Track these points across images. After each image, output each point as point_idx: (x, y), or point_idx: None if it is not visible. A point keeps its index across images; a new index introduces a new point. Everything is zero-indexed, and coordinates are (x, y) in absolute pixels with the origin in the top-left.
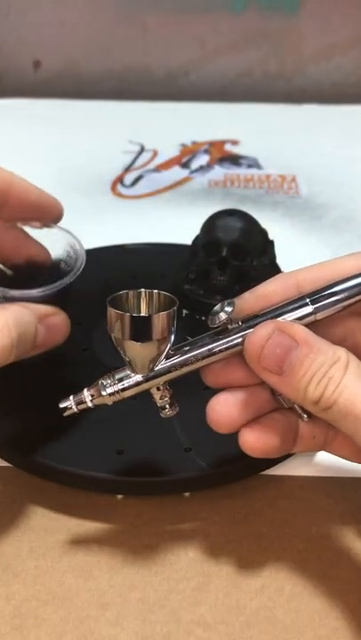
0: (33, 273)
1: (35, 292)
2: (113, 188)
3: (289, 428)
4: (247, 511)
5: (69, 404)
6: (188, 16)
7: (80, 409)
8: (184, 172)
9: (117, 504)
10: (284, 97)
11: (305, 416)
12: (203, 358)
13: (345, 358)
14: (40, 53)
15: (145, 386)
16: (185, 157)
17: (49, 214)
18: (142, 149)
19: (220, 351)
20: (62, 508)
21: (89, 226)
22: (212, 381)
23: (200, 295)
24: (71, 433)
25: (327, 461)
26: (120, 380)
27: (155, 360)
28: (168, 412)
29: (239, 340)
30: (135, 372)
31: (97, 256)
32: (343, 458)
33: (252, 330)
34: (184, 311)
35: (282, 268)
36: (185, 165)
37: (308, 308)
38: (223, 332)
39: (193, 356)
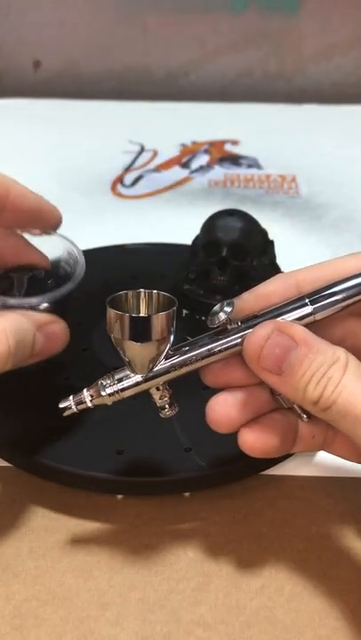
0: (32, 280)
1: (34, 300)
2: (113, 188)
3: (288, 427)
4: (247, 511)
5: (69, 404)
6: (188, 16)
7: (80, 409)
8: (184, 172)
9: (117, 504)
10: (284, 97)
11: (304, 416)
12: (202, 358)
13: (344, 358)
14: (40, 53)
15: (144, 386)
16: (185, 157)
17: (47, 221)
18: (142, 149)
19: (220, 351)
20: (62, 508)
21: (89, 226)
22: (211, 381)
23: (200, 295)
24: (71, 433)
25: (327, 461)
26: (120, 380)
27: (154, 360)
28: (168, 412)
29: (238, 340)
30: (135, 372)
31: (97, 256)
32: (343, 458)
33: (251, 330)
34: (184, 311)
35: (282, 268)
36: (185, 165)
37: (308, 309)
38: (223, 332)
39: (192, 356)
